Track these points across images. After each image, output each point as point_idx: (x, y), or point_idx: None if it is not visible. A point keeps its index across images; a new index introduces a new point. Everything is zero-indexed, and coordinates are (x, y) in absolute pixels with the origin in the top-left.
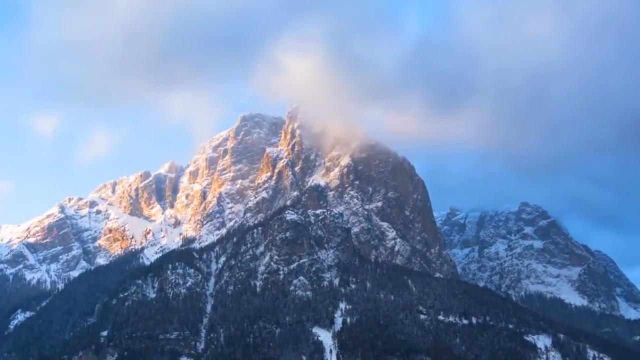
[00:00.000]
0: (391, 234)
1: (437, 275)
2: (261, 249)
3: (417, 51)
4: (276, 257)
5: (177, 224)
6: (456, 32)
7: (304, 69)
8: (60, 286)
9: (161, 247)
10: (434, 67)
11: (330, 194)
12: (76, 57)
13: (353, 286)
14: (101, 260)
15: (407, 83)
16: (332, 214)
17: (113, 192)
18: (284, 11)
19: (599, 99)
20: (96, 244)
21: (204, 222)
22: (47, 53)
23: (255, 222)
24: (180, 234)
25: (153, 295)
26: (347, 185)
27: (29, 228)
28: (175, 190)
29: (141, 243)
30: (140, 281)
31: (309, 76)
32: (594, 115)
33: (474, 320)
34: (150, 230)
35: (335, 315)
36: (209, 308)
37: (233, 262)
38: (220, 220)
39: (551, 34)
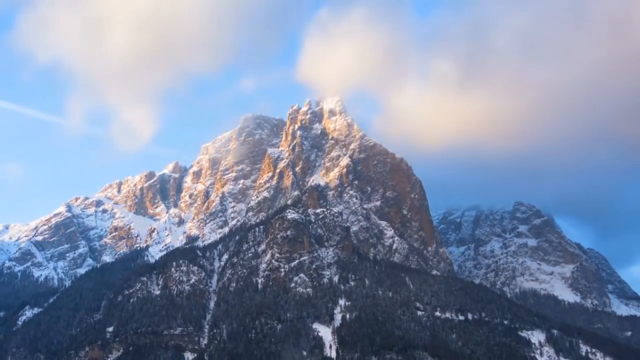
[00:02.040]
0: (389, 232)
1: (434, 272)
2: (263, 247)
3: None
4: (277, 254)
5: (181, 222)
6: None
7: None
8: (67, 283)
9: (165, 245)
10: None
11: (330, 193)
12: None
13: (352, 283)
14: (107, 258)
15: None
16: (332, 213)
17: (119, 191)
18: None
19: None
20: (102, 242)
21: (207, 221)
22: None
23: (257, 220)
24: (184, 233)
25: (157, 292)
26: (346, 185)
27: (36, 227)
28: (179, 190)
29: (146, 241)
30: (145, 278)
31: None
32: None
33: (470, 316)
34: (154, 228)
35: (335, 312)
36: (212, 304)
37: (235, 260)
38: (223, 219)
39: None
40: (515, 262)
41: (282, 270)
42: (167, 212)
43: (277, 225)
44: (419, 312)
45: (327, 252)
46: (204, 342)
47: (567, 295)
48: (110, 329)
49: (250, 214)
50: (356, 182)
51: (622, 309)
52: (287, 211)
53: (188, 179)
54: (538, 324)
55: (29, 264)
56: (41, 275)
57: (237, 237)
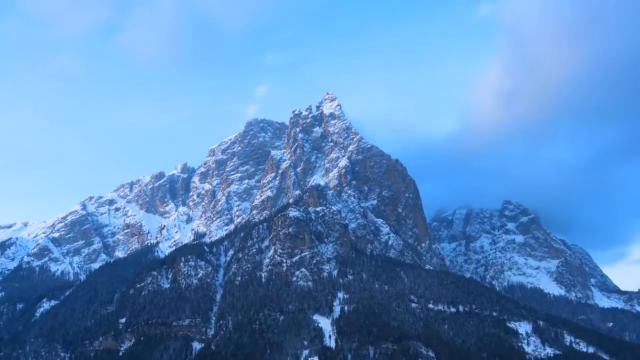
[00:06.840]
0: (385, 229)
1: (427, 267)
2: (266, 243)
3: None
4: (280, 250)
5: (189, 220)
6: None
7: None
8: (82, 277)
9: (174, 241)
10: None
11: (330, 192)
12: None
13: (350, 277)
14: (120, 254)
15: None
16: (331, 211)
17: (130, 191)
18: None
19: None
20: (115, 238)
21: (214, 219)
22: None
23: (261, 218)
24: (192, 230)
25: (167, 286)
26: (344, 184)
27: (53, 224)
28: (187, 189)
29: (156, 238)
30: (155, 272)
31: None
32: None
33: (461, 308)
34: (164, 226)
35: (334, 304)
36: (218, 297)
37: (240, 255)
38: (229, 216)
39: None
40: (503, 258)
41: (285, 265)
42: (176, 211)
43: (279, 222)
44: (413, 305)
45: (327, 248)
46: (211, 332)
47: (553, 289)
48: (123, 320)
49: (254, 212)
50: (354, 182)
51: (604, 302)
52: (289, 209)
53: (196, 179)
54: (525, 316)
55: (46, 259)
56: (58, 269)
57: (242, 234)
